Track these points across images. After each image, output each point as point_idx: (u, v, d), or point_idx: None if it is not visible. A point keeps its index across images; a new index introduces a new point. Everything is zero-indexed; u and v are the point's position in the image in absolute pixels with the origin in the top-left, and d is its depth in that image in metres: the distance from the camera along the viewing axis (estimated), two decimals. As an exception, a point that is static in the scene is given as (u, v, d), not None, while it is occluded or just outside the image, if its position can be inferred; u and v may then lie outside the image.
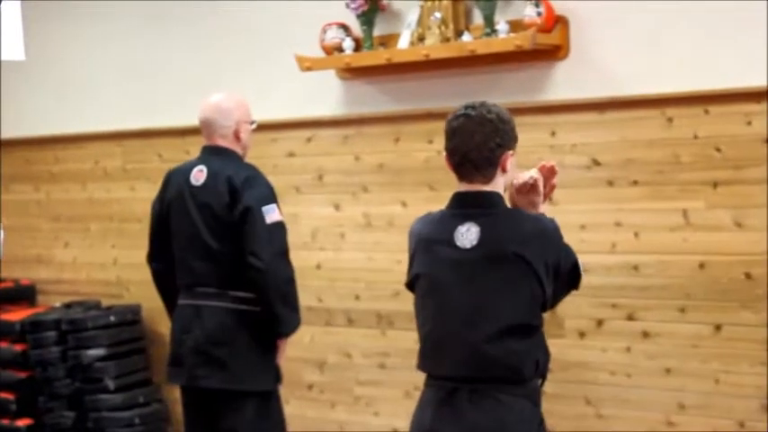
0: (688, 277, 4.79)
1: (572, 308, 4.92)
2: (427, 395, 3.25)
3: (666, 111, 4.79)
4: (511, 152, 3.22)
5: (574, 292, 3.32)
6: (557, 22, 4.94)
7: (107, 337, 6.28)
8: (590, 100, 4.96)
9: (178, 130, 6.20)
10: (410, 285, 3.32)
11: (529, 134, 4.85)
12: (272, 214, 4.35)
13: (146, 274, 4.77)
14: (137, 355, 6.43)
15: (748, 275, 4.66)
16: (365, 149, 5.67)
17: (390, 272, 5.44)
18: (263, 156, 5.33)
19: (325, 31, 5.48)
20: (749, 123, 4.61)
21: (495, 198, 3.21)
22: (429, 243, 3.24)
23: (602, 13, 4.90)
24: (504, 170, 3.21)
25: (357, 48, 5.45)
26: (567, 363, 5.04)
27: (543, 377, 3.27)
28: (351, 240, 5.76)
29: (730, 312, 4.71)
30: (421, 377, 3.30)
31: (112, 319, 6.35)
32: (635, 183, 4.89)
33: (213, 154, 4.50)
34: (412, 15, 5.27)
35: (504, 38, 4.93)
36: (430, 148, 5.33)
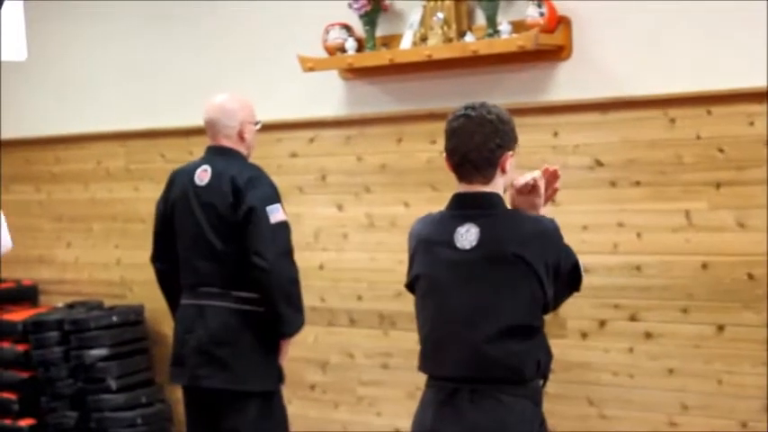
0: (690, 278, 4.79)
1: (574, 308, 4.91)
2: (428, 396, 3.25)
3: (669, 111, 4.79)
4: (511, 153, 3.22)
5: (576, 293, 3.32)
6: (559, 23, 4.94)
7: (110, 338, 6.28)
8: (593, 100, 4.96)
9: (181, 131, 6.20)
10: (410, 286, 3.32)
11: (531, 135, 4.86)
12: (276, 214, 4.35)
13: (149, 274, 4.77)
14: (139, 356, 6.43)
15: (751, 276, 4.66)
16: (368, 150, 5.67)
17: (393, 272, 5.43)
18: (266, 156, 5.33)
19: (327, 32, 5.49)
20: (752, 124, 4.61)
21: (494, 199, 3.21)
22: (429, 244, 3.24)
23: (605, 14, 4.90)
24: (503, 171, 3.21)
25: (360, 48, 5.45)
26: (569, 363, 5.04)
27: (545, 378, 3.26)
28: (353, 241, 5.76)
29: (733, 313, 4.71)
30: (423, 378, 3.30)
31: (115, 319, 6.36)
32: (637, 183, 4.89)
33: (217, 154, 4.50)
34: (414, 16, 5.27)
35: (506, 38, 4.93)
36: (432, 148, 5.33)
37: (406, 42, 5.26)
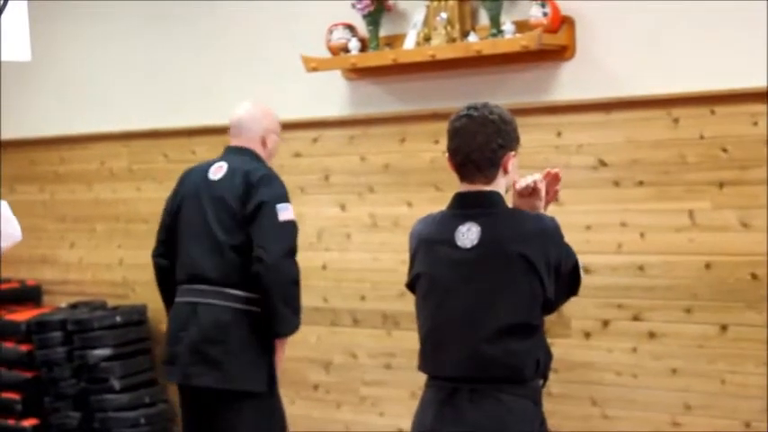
0: (694, 278, 4.79)
1: (578, 308, 4.91)
2: (428, 395, 3.25)
3: (672, 111, 4.79)
4: (513, 153, 3.22)
5: (580, 293, 3.32)
6: (563, 23, 4.94)
7: (113, 338, 6.29)
8: (596, 100, 4.96)
9: (184, 131, 6.21)
10: (411, 286, 3.33)
11: (535, 135, 4.86)
12: (285, 212, 4.36)
13: (152, 274, 4.76)
14: (142, 356, 6.43)
15: (754, 276, 4.65)
16: (371, 150, 5.67)
17: (396, 272, 5.42)
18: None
19: (331, 32, 5.49)
20: (755, 124, 4.61)
21: (495, 198, 3.21)
22: (430, 243, 3.24)
23: (608, 14, 4.90)
24: (505, 171, 3.22)
25: (363, 48, 5.45)
26: (572, 363, 5.03)
27: (545, 377, 3.26)
28: (356, 241, 5.76)
29: (736, 313, 4.71)
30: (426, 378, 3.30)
31: (118, 319, 6.36)
32: (641, 183, 4.89)
33: (236, 153, 4.53)
34: (418, 16, 5.27)
35: (510, 38, 4.93)
36: (436, 148, 5.33)
37: (409, 42, 5.26)
